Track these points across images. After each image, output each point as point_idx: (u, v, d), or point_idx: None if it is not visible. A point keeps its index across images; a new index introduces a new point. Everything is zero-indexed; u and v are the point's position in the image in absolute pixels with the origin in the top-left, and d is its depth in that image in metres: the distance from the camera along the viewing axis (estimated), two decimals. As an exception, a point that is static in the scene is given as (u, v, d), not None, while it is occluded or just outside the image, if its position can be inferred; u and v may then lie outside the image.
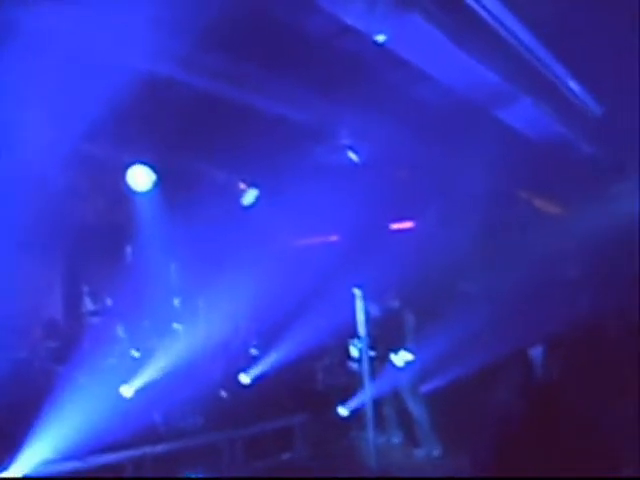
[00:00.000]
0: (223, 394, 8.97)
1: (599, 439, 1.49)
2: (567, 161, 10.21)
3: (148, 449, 7.33)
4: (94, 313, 8.69)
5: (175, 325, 8.79)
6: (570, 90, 8.31)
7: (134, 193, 9.17)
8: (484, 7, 6.30)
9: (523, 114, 8.53)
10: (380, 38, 6.43)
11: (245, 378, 9.28)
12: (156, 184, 9.08)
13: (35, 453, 6.55)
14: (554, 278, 10.90)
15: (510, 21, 6.73)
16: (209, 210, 9.04)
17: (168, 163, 9.22)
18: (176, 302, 9.06)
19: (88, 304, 8.69)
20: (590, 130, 9.64)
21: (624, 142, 9.87)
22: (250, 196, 10.41)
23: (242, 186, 10.45)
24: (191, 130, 8.13)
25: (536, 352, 9.42)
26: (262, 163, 9.33)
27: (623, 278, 9.90)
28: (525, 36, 6.99)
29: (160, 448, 7.46)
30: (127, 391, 7.78)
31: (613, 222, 10.16)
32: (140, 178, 8.99)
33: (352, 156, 9.13)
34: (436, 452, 8.54)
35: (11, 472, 6.30)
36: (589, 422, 1.52)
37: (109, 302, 8.72)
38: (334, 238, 11.93)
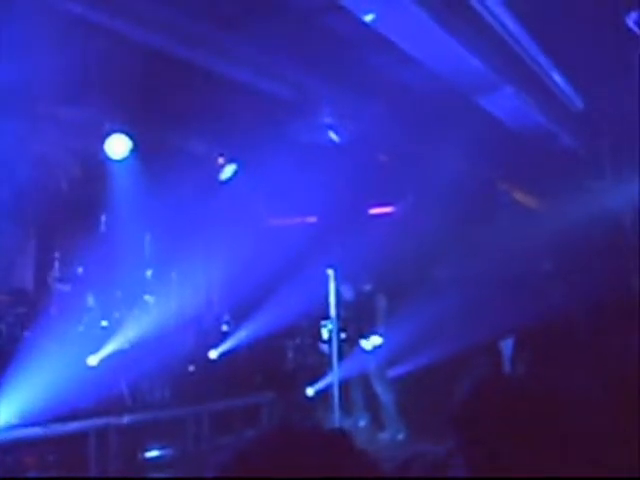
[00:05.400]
0: (191, 368, 8.93)
1: (565, 435, 1.47)
2: (547, 153, 10.23)
3: (113, 419, 7.28)
4: (64, 281, 8.57)
5: (146, 297, 8.70)
6: (553, 82, 8.33)
7: (111, 162, 9.06)
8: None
9: (505, 103, 8.52)
10: (368, 18, 6.38)
11: (214, 354, 9.25)
12: (134, 154, 8.98)
13: (-2, 417, 6.50)
14: (528, 270, 10.94)
15: (498, 9, 6.71)
16: (186, 182, 8.95)
17: (147, 133, 9.10)
18: (148, 274, 8.97)
19: (59, 272, 8.57)
20: (571, 123, 9.68)
21: (604, 137, 9.93)
22: (228, 171, 10.31)
23: (221, 160, 10.35)
24: (173, 101, 8.04)
25: (506, 344, 9.49)
26: (242, 138, 9.24)
27: (595, 275, 9.97)
28: (511, 25, 6.98)
29: (125, 419, 7.41)
30: (93, 360, 7.72)
31: (589, 218, 10.21)
32: (118, 147, 8.88)
33: (333, 136, 9.08)
34: (400, 436, 8.61)
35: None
36: (555, 417, 1.51)
37: (80, 270, 8.60)
38: (312, 219, 11.87)
